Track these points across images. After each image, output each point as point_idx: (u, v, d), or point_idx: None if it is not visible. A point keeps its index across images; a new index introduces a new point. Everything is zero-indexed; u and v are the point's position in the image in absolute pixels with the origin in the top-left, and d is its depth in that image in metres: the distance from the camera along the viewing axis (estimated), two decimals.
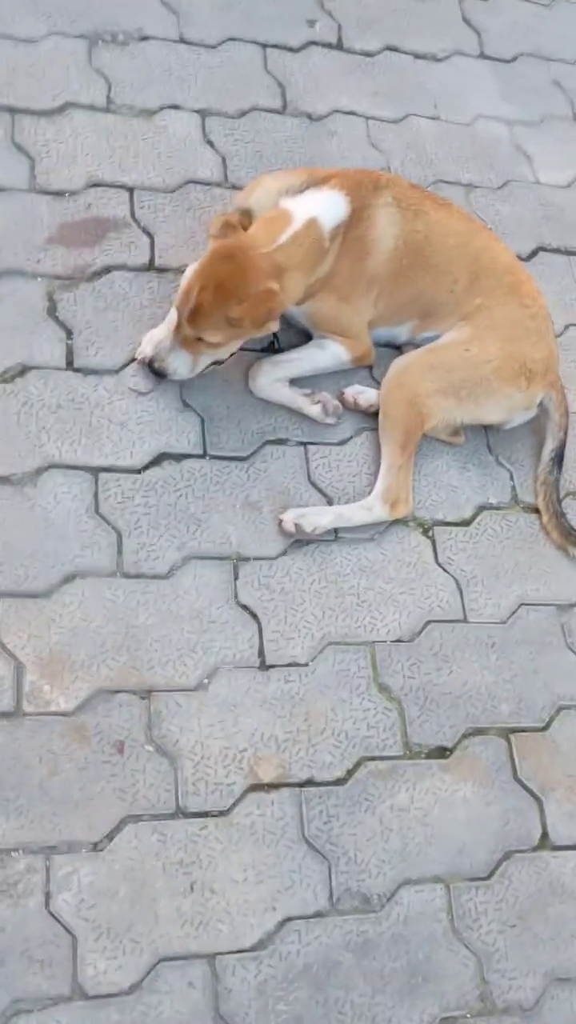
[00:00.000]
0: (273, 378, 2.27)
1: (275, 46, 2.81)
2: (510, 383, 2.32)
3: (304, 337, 2.36)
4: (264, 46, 2.80)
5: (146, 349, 2.18)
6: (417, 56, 2.99)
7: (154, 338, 2.19)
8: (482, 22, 3.12)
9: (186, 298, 2.06)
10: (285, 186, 2.27)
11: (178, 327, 2.10)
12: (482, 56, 3.08)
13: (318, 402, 2.29)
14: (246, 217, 2.25)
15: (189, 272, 2.13)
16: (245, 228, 2.20)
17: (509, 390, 2.32)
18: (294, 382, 2.31)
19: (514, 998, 1.90)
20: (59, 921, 1.73)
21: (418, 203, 2.34)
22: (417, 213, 2.32)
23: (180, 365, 2.14)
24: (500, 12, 3.17)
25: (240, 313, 2.04)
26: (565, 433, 2.40)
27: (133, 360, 2.22)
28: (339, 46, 2.91)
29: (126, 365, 2.22)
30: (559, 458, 2.39)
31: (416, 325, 2.40)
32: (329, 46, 2.89)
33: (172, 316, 2.21)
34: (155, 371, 2.17)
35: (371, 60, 2.92)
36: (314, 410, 2.28)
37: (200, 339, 2.09)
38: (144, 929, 1.76)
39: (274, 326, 2.16)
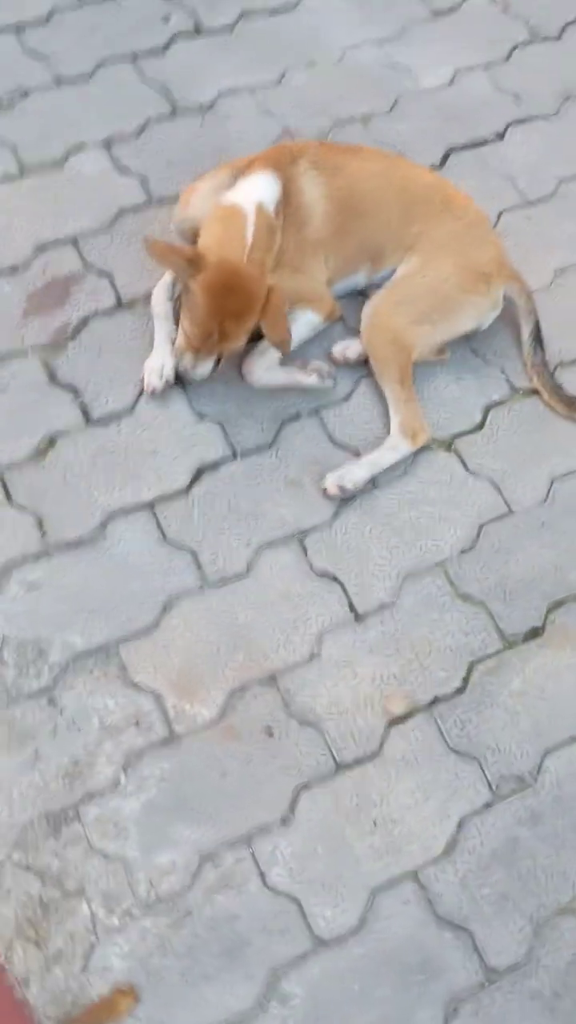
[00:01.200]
0: (265, 366, 2.43)
1: (144, 54, 2.91)
2: (472, 291, 2.49)
3: None
4: (134, 58, 2.90)
5: (152, 380, 2.36)
6: (271, 13, 3.09)
7: (154, 368, 2.37)
8: None
9: (208, 334, 2.23)
10: (216, 185, 2.41)
11: (198, 348, 2.29)
12: None
13: (313, 371, 2.46)
14: (192, 229, 2.41)
15: (154, 305, 2.35)
16: (194, 239, 2.36)
17: (474, 298, 2.49)
18: (284, 361, 2.48)
19: None
20: (279, 892, 1.97)
21: (333, 159, 2.48)
22: (336, 169, 2.46)
23: (205, 369, 2.35)
24: None
25: (265, 323, 2.24)
26: (535, 315, 2.58)
27: (142, 393, 2.39)
28: (199, 31, 3.01)
29: (137, 401, 2.39)
30: (538, 338, 2.57)
31: (369, 268, 2.55)
32: (190, 34, 2.99)
33: (160, 339, 2.39)
34: (179, 376, 2.39)
35: (233, 33, 3.02)
36: (311, 379, 2.46)
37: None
38: (350, 872, 2.00)
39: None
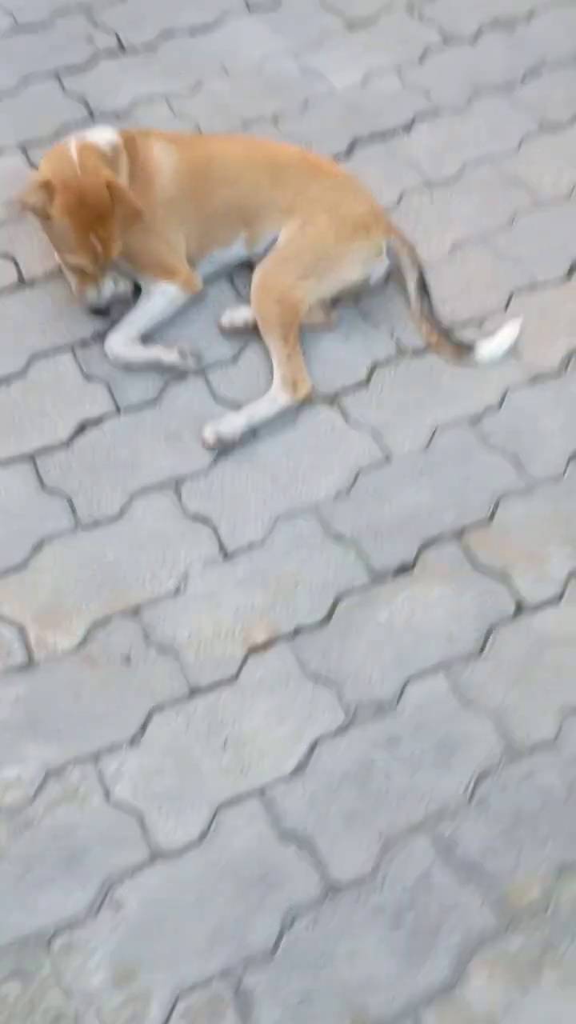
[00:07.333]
0: (123, 342, 2.53)
1: (67, 70, 3.14)
2: (352, 239, 2.57)
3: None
4: (56, 73, 3.13)
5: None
6: (193, 32, 3.30)
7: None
8: None
9: (93, 252, 2.38)
10: None
11: (91, 273, 2.45)
12: (249, 10, 3.39)
13: (175, 349, 2.54)
14: None
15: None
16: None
17: (355, 245, 2.58)
18: (146, 339, 2.57)
19: (537, 737, 2.11)
20: (122, 807, 1.99)
21: (189, 139, 2.66)
22: (191, 143, 2.63)
23: (108, 289, 2.52)
24: None
25: (117, 205, 2.34)
26: (419, 265, 2.65)
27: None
28: (122, 50, 3.23)
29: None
30: (424, 288, 2.64)
31: (248, 236, 2.64)
32: (113, 53, 3.21)
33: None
34: (100, 312, 2.56)
35: (154, 51, 3.24)
36: (172, 357, 2.53)
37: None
38: (196, 788, 2.02)
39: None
